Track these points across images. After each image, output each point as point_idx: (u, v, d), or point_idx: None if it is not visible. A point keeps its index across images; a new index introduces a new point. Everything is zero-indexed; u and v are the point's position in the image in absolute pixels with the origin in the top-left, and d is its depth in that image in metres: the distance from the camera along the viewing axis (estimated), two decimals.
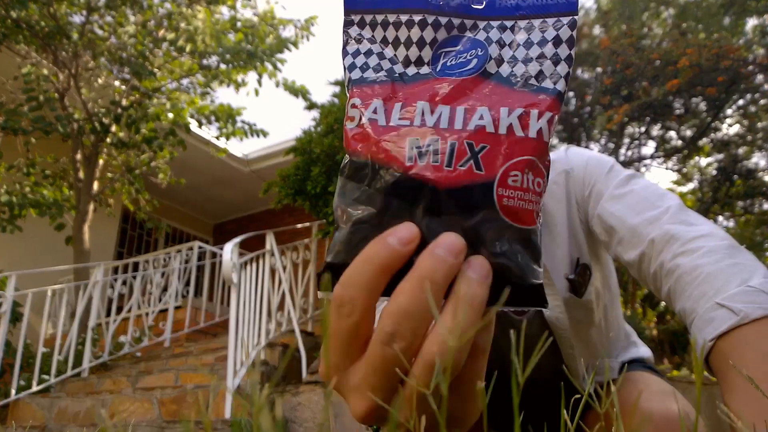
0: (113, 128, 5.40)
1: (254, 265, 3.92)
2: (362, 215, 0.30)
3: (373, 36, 0.33)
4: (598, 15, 5.06)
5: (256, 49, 5.38)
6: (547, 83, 0.32)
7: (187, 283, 5.82)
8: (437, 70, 0.32)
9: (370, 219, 0.30)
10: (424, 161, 0.29)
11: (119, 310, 5.22)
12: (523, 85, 0.31)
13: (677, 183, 6.27)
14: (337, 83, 4.57)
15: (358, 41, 0.33)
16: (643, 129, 5.01)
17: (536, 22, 0.32)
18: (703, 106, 4.61)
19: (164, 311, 5.54)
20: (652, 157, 5.24)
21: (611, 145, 5.03)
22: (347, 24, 0.33)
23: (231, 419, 2.99)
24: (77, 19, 5.26)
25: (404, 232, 0.29)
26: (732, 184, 4.97)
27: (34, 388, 4.02)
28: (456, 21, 0.32)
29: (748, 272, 0.65)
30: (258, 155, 8.23)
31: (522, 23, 0.32)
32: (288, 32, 5.91)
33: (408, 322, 0.28)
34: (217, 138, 6.25)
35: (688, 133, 4.95)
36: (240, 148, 8.22)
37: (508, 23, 0.32)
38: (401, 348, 0.28)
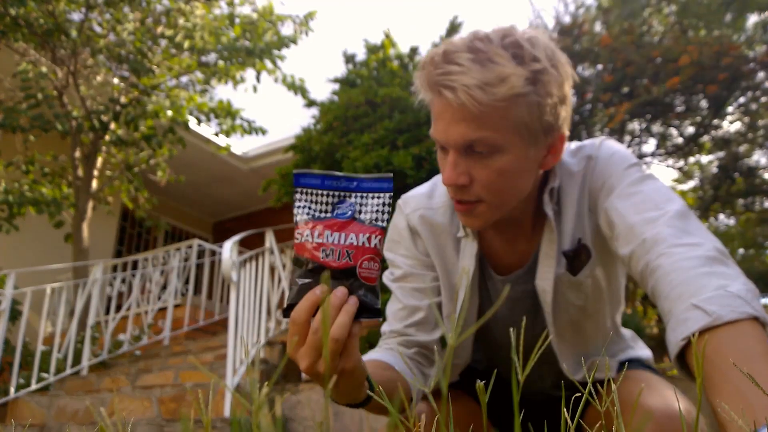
0: (112, 126, 5.39)
1: (254, 263, 3.91)
2: (303, 282, 0.64)
3: (308, 198, 0.66)
4: (599, 12, 5.04)
5: (255, 46, 5.37)
6: (380, 222, 0.65)
7: (187, 282, 5.82)
8: (333, 215, 0.65)
9: (306, 284, 0.64)
10: (329, 258, 0.63)
11: (118, 308, 5.22)
12: (369, 223, 0.65)
13: (678, 181, 6.26)
14: (336, 80, 4.55)
15: (300, 201, 0.66)
16: (643, 126, 4.99)
17: (378, 195, 0.67)
18: (704, 103, 4.60)
19: (163, 309, 5.53)
20: (653, 154, 5.21)
21: None
22: (296, 193, 0.66)
23: (230, 418, 2.99)
24: (76, 16, 5.24)
25: (318, 289, 0.62)
26: (733, 182, 4.95)
27: (33, 386, 4.02)
28: (344, 194, 0.66)
29: (728, 279, 0.67)
30: (257, 153, 8.22)
31: (371, 195, 0.66)
32: (287, 28, 5.89)
33: (320, 324, 0.61)
34: (216, 135, 6.23)
35: (689, 130, 4.94)
36: (239, 145, 8.23)
37: (364, 195, 0.66)
38: (318, 335, 0.61)
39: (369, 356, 0.91)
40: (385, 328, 1.02)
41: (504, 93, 0.74)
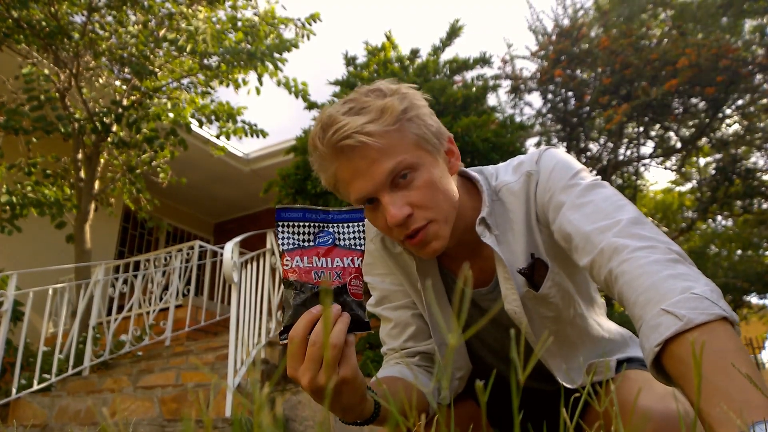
0: (114, 128, 5.41)
1: (255, 264, 3.93)
2: (298, 303, 0.70)
3: (290, 230, 0.73)
4: (597, 15, 5.06)
5: (257, 49, 5.39)
6: (358, 246, 0.75)
7: (188, 282, 5.84)
8: (317, 243, 0.73)
9: (302, 304, 0.70)
10: (320, 278, 0.71)
11: (120, 309, 5.24)
12: (349, 247, 0.74)
13: (676, 183, 6.28)
14: (337, 83, 4.58)
15: (283, 233, 0.73)
16: (641, 129, 5.01)
17: (352, 224, 0.76)
18: (701, 106, 4.62)
19: (165, 310, 5.55)
20: (650, 156, 5.24)
21: (610, 145, 5.04)
22: (279, 226, 0.73)
23: (232, 418, 3.01)
24: (78, 19, 5.27)
25: (315, 308, 0.68)
26: (731, 184, 4.98)
27: (35, 386, 4.03)
28: (322, 225, 0.75)
29: (691, 280, 0.69)
30: (258, 155, 8.25)
31: (346, 224, 0.76)
32: (289, 32, 5.91)
33: (319, 338, 0.67)
34: (218, 137, 6.25)
35: (687, 133, 4.96)
36: (240, 147, 8.24)
37: (342, 225, 0.75)
38: (318, 348, 0.67)
39: (378, 375, 0.96)
40: (384, 350, 1.07)
41: (390, 118, 0.83)
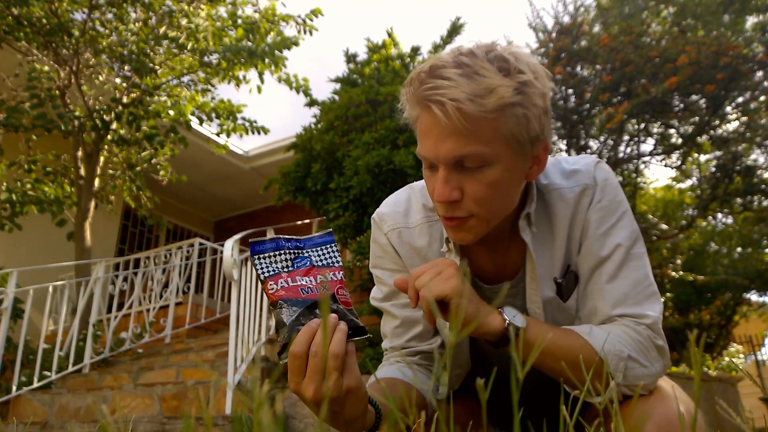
0: (114, 125, 5.41)
1: None
2: (293, 318, 0.71)
3: (267, 261, 0.77)
4: (598, 13, 5.06)
5: (257, 47, 5.38)
6: (336, 263, 0.79)
7: (188, 280, 5.85)
8: (295, 267, 0.77)
9: (296, 320, 0.71)
10: (309, 294, 0.73)
11: (120, 306, 5.25)
12: (328, 265, 0.79)
13: (676, 180, 6.27)
14: (337, 80, 4.57)
15: (261, 264, 0.76)
16: (642, 126, 5.01)
17: (325, 246, 0.81)
18: (702, 103, 4.62)
19: (165, 307, 5.56)
20: (651, 154, 5.24)
21: (611, 142, 5.04)
22: (255, 259, 0.76)
23: (232, 415, 3.01)
24: (79, 16, 5.26)
25: (313, 322, 0.70)
26: (731, 181, 4.97)
27: (36, 384, 4.04)
28: (297, 251, 0.79)
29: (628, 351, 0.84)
30: (258, 152, 8.25)
31: (319, 248, 0.81)
32: (290, 28, 5.90)
33: (320, 349, 0.67)
34: (218, 135, 6.25)
35: (688, 130, 4.95)
36: (241, 145, 8.25)
37: (316, 248, 0.80)
38: (319, 359, 0.67)
39: (378, 374, 0.96)
40: (385, 345, 1.05)
41: (493, 104, 0.75)
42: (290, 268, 0.76)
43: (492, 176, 0.80)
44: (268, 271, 0.75)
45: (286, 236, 0.79)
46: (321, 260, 0.79)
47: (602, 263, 0.89)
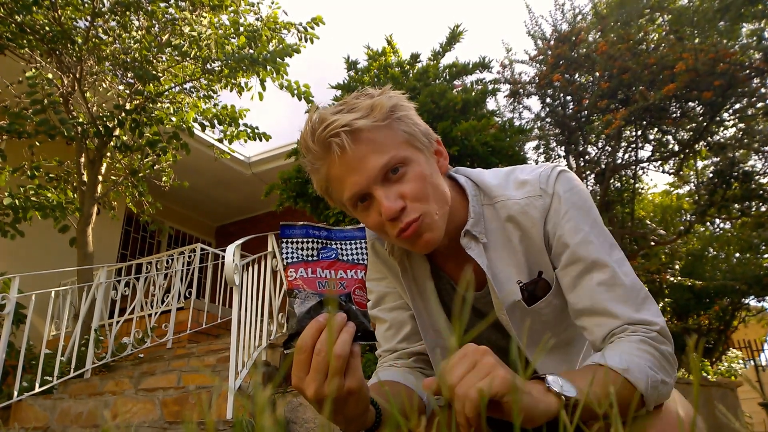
0: (117, 132, 5.45)
1: (256, 266, 3.96)
2: (303, 311, 0.71)
3: (294, 246, 0.76)
4: (596, 20, 5.10)
5: (259, 54, 5.43)
6: (361, 260, 0.78)
7: (190, 285, 5.87)
8: (320, 257, 0.76)
9: (306, 312, 0.71)
10: (326, 288, 0.73)
11: (122, 311, 5.27)
12: (352, 262, 0.77)
13: (674, 186, 6.30)
14: (338, 87, 4.61)
15: (287, 248, 0.75)
16: (640, 132, 5.04)
17: (355, 242, 0.79)
18: (699, 110, 4.65)
19: (167, 313, 5.58)
20: (649, 160, 5.27)
21: (609, 148, 5.07)
22: (283, 242, 0.75)
23: (233, 420, 3.03)
24: (82, 24, 5.31)
25: (321, 317, 0.69)
26: (729, 187, 5.00)
27: (37, 389, 4.05)
28: (325, 241, 0.77)
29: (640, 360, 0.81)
30: (260, 158, 8.29)
31: (348, 242, 0.79)
32: (291, 36, 5.95)
33: (324, 347, 0.67)
34: (220, 141, 6.29)
35: (686, 136, 4.99)
36: (242, 151, 8.28)
37: (345, 242, 0.79)
38: (322, 357, 0.67)
39: (373, 380, 0.96)
40: (378, 351, 1.08)
41: (380, 114, 0.85)
42: (314, 258, 0.75)
43: (416, 171, 0.86)
44: (292, 258, 0.74)
45: (317, 224, 0.78)
46: (347, 255, 0.77)
47: (589, 271, 0.88)
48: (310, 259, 0.75)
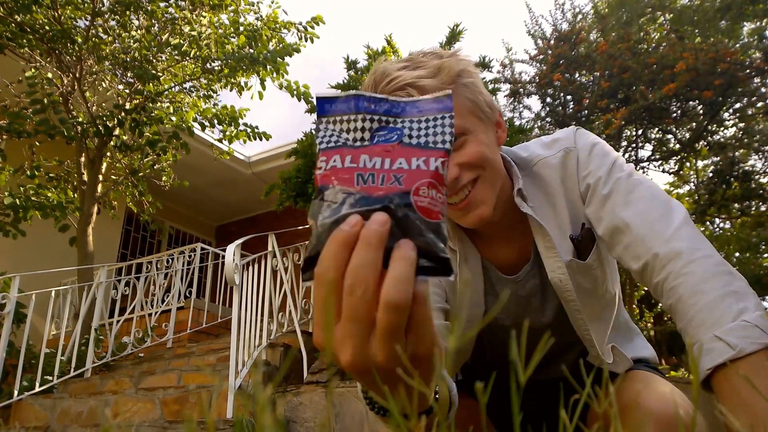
0: (117, 131, 5.45)
1: (256, 266, 3.96)
2: (327, 218, 0.44)
3: (336, 127, 0.50)
4: (596, 20, 5.10)
5: (259, 54, 5.43)
6: (441, 143, 0.49)
7: (190, 285, 5.87)
8: (373, 141, 0.49)
9: (334, 224, 0.43)
10: (366, 184, 0.45)
11: (122, 311, 5.27)
12: (426, 146, 0.48)
13: (674, 185, 6.30)
14: (338, 87, 4.61)
15: (326, 130, 0.50)
16: (640, 132, 5.04)
17: (434, 116, 0.51)
18: (699, 109, 4.65)
19: (167, 312, 5.59)
20: (649, 159, 5.27)
21: None
22: (320, 122, 0.51)
23: (233, 419, 3.03)
24: (82, 23, 5.31)
25: (351, 219, 0.41)
26: (729, 187, 5.00)
27: (37, 388, 4.05)
28: (385, 120, 0.51)
29: (743, 302, 0.72)
30: (260, 158, 8.30)
31: (424, 119, 0.51)
32: (291, 36, 5.95)
33: (360, 272, 0.39)
34: (220, 141, 6.29)
35: (686, 135, 4.99)
36: (242, 150, 8.28)
37: (418, 119, 0.51)
38: (361, 293, 0.39)
39: None
40: None
41: (447, 77, 0.81)
42: (364, 143, 0.49)
43: (473, 143, 0.85)
44: (328, 142, 0.49)
45: (376, 95, 0.51)
46: (419, 135, 0.49)
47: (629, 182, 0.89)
48: (356, 144, 0.49)
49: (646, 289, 4.96)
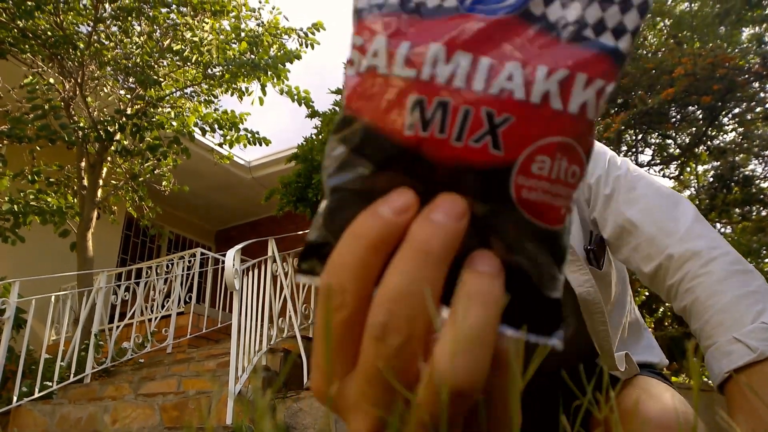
0: (118, 136, 5.46)
1: (256, 271, 3.96)
2: (342, 180, 0.24)
3: None
4: None
5: (260, 60, 5.45)
6: (607, 38, 0.22)
7: (190, 290, 5.87)
8: (466, 3, 0.23)
9: (354, 191, 0.23)
10: (427, 131, 0.22)
11: (122, 316, 5.26)
12: (573, 36, 0.22)
13: (674, 190, 6.31)
14: (338, 91, 4.62)
15: None
16: (640, 136, 5.05)
17: None
18: (699, 114, 4.67)
19: (167, 317, 5.58)
20: (649, 164, 5.28)
21: None
22: None
23: (233, 425, 3.02)
24: (84, 29, 5.33)
25: (398, 199, 0.23)
26: (729, 191, 5.01)
27: (37, 394, 4.04)
28: None
29: (762, 302, 0.70)
30: (260, 162, 8.30)
31: None
32: (292, 42, 5.98)
33: (403, 307, 0.21)
34: (221, 146, 6.31)
35: (686, 140, 5.01)
36: (242, 155, 8.30)
37: None
38: (398, 343, 0.22)
39: None
40: None
41: None
42: (448, 11, 0.23)
43: None
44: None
45: None
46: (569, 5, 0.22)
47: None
48: (422, 8, 0.23)
49: (647, 294, 4.95)
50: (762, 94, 4.55)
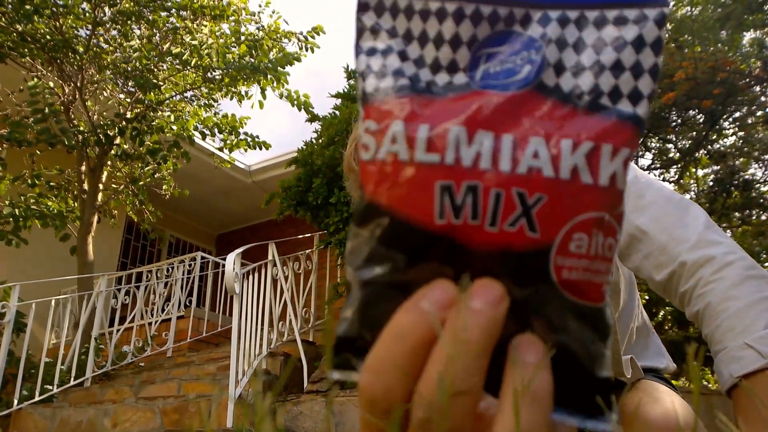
0: (118, 140, 5.47)
1: (256, 275, 3.96)
2: (371, 281, 0.23)
3: (393, 27, 0.24)
4: None
5: (260, 63, 5.46)
6: (625, 105, 0.22)
7: (190, 294, 5.87)
8: (476, 79, 0.22)
9: (383, 286, 0.23)
10: (460, 218, 0.21)
11: (122, 320, 5.26)
12: (590, 105, 0.21)
13: None
14: (338, 95, 4.62)
15: (375, 34, 0.24)
16: (640, 140, 5.06)
17: (610, 15, 0.22)
18: (699, 118, 4.67)
19: (167, 321, 5.58)
20: (649, 168, 5.28)
21: None
22: (362, 8, 0.24)
23: (233, 428, 3.02)
24: (83, 33, 5.34)
25: (440, 293, 0.22)
26: (729, 196, 5.00)
27: (37, 397, 4.04)
28: (503, 11, 0.22)
29: None
30: (260, 166, 8.31)
31: (591, 15, 0.22)
32: (292, 45, 5.99)
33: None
34: (221, 150, 6.32)
35: (687, 144, 5.01)
36: (243, 159, 8.30)
37: (572, 14, 0.22)
38: None
39: None
40: None
41: None
42: (456, 80, 0.23)
43: None
44: (380, 77, 0.24)
45: None
46: (587, 72, 0.22)
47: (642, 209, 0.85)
48: (440, 86, 0.23)
49: (647, 297, 4.94)
50: (763, 98, 4.55)
